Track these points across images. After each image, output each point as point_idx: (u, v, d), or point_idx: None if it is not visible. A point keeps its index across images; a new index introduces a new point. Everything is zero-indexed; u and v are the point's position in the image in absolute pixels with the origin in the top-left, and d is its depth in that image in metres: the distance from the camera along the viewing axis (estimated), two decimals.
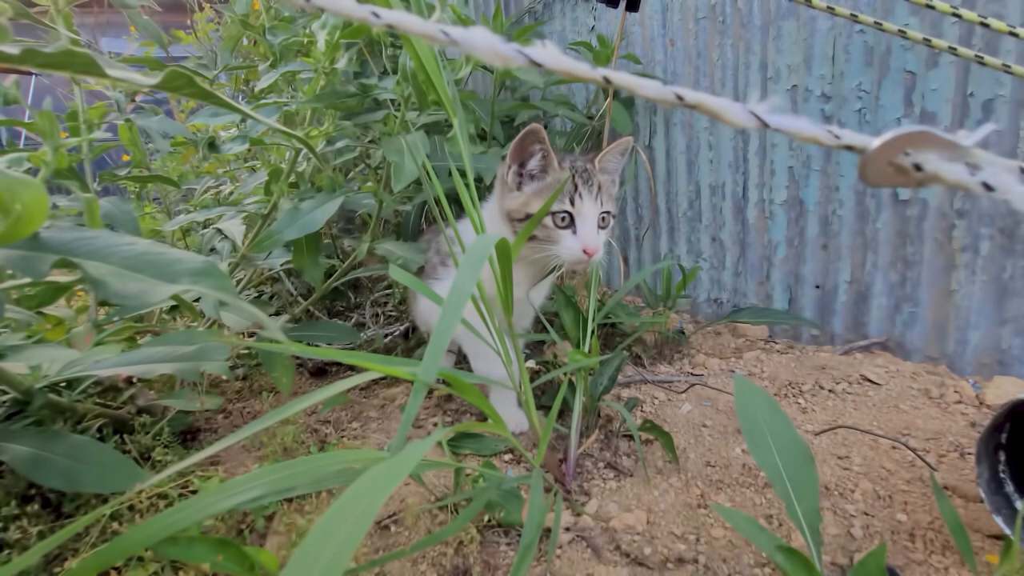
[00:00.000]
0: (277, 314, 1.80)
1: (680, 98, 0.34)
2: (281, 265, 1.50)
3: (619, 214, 2.10)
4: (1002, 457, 0.69)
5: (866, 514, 0.84)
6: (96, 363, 0.88)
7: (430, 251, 1.31)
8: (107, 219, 1.13)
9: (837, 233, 1.42)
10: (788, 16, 1.41)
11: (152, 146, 2.03)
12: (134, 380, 1.18)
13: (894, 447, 0.98)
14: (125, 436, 1.04)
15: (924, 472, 0.92)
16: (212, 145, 1.16)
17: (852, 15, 0.97)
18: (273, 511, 0.92)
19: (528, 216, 0.98)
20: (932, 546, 0.76)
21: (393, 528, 0.91)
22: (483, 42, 0.34)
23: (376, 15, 0.34)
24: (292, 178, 1.36)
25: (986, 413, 1.06)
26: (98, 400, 1.10)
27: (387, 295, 1.95)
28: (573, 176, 1.03)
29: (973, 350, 1.22)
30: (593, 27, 2.02)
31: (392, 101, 1.23)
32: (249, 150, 1.92)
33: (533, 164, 1.04)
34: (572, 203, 1.01)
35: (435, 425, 1.24)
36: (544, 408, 1.24)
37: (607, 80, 0.34)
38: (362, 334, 1.90)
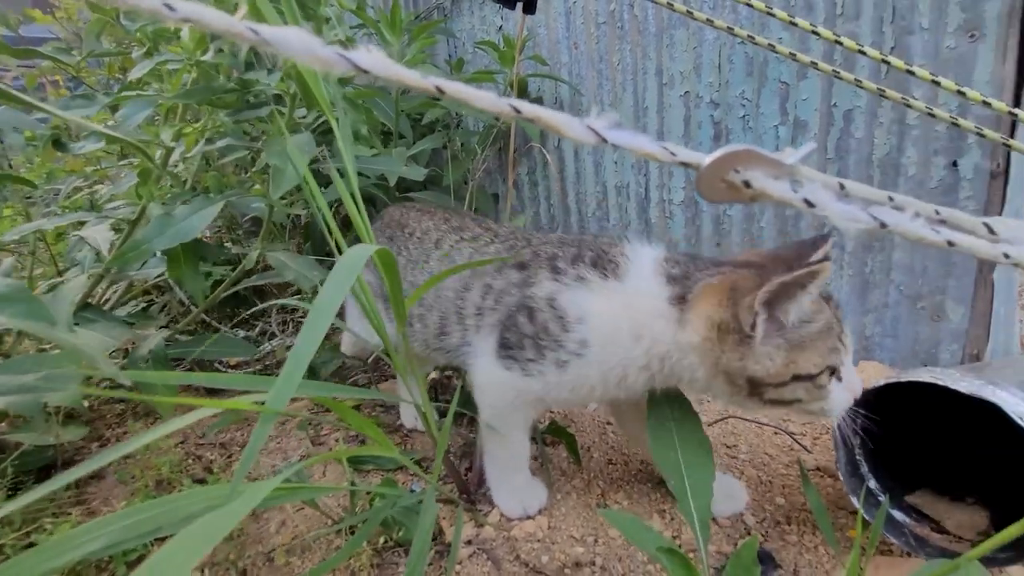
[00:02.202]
0: (168, 326, 1.64)
1: (517, 110, 0.32)
2: (160, 275, 1.37)
3: (534, 214, 2.12)
4: (857, 442, 0.76)
5: (754, 500, 0.89)
6: None
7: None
8: None
9: (728, 232, 1.51)
10: (679, 25, 1.48)
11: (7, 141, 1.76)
12: None
13: (776, 433, 1.06)
14: None
15: (802, 455, 1.00)
16: (58, 143, 1.02)
17: (728, 28, 1.02)
18: (141, 553, 0.82)
19: (795, 378, 0.69)
20: (804, 527, 0.81)
21: (284, 559, 0.85)
22: (299, 44, 0.30)
23: (170, 7, 0.29)
24: (169, 179, 1.24)
25: None
26: None
27: (298, 298, 1.84)
28: (835, 312, 0.74)
29: None
30: (501, 27, 2.01)
31: (280, 97, 1.15)
32: (121, 148, 1.72)
33: (794, 314, 0.68)
34: (844, 345, 0.73)
35: (336, 441, 1.18)
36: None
37: (439, 89, 0.32)
38: (267, 344, 1.78)
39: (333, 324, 0.57)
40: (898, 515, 0.72)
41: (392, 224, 1.12)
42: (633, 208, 1.75)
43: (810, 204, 0.34)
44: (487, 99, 0.32)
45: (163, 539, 0.85)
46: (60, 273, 1.49)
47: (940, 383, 0.64)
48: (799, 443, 1.02)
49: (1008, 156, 1.02)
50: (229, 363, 1.66)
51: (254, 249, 1.24)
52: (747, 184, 0.34)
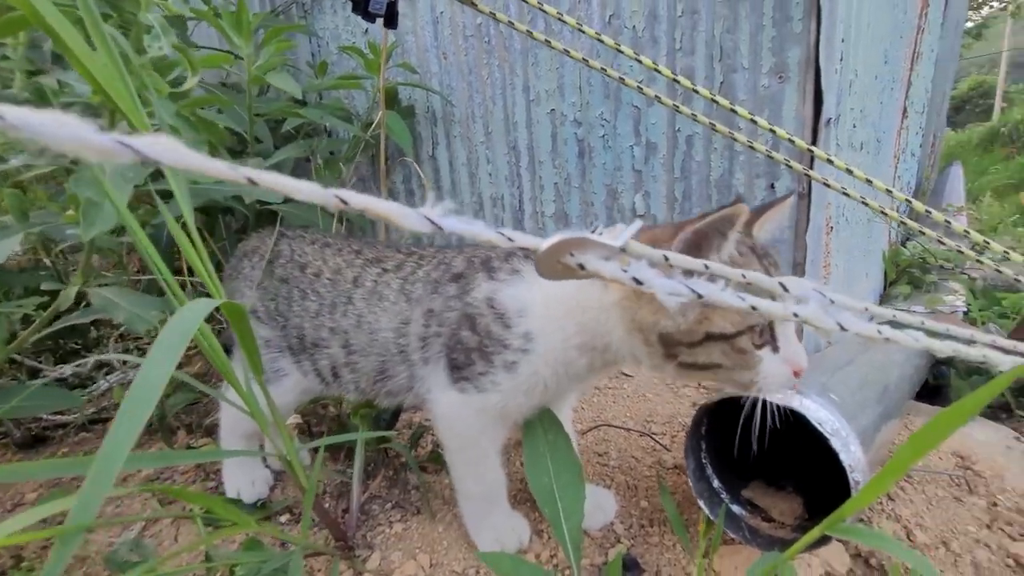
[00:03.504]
0: None
1: (345, 202, 0.30)
2: None
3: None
4: (703, 447, 0.85)
5: (622, 507, 0.96)
6: None
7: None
8: None
9: None
10: (543, 44, 1.53)
11: None
12: None
13: (641, 435, 1.15)
14: None
15: (663, 455, 1.09)
16: None
17: (584, 59, 1.08)
18: None
19: (709, 337, 0.65)
20: (664, 527, 0.90)
21: None
22: (64, 132, 0.25)
23: None
24: None
25: (703, 393, 1.31)
26: None
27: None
28: (765, 264, 0.70)
29: None
30: (367, 29, 1.92)
31: (94, 107, 0.98)
32: None
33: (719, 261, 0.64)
34: None
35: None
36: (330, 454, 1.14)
37: (251, 181, 0.28)
38: (103, 381, 1.54)
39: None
40: (736, 509, 0.83)
41: (281, 263, 0.98)
42: (509, 219, 1.79)
43: (638, 282, 0.37)
44: (310, 191, 0.29)
45: None
46: None
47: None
48: (659, 443, 1.11)
49: (810, 182, 1.20)
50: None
51: (72, 285, 1.05)
52: (581, 266, 0.35)
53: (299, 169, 1.91)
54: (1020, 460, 1.12)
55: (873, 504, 0.93)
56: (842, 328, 0.44)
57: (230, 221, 1.72)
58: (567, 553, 0.74)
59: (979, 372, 1.44)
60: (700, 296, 0.39)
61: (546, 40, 1.09)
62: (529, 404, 0.80)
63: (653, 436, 1.13)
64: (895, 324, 0.50)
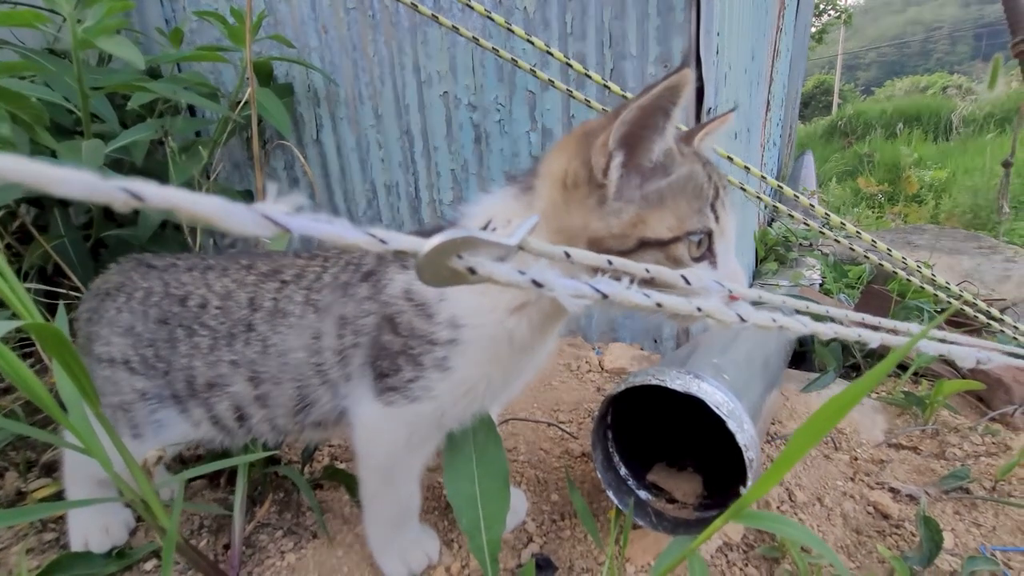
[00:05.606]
0: None
1: (139, 198, 0.22)
2: None
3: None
4: (610, 436, 0.86)
5: (533, 503, 0.94)
6: None
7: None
8: None
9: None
10: (431, 22, 1.44)
11: None
12: None
13: (549, 426, 1.14)
14: None
15: (571, 444, 1.09)
16: None
17: (474, 38, 1.02)
18: None
19: (643, 244, 0.57)
20: (575, 519, 0.89)
21: None
22: None
23: None
24: None
25: (606, 377, 1.34)
26: None
27: None
28: (708, 171, 0.61)
29: (596, 323, 1.53)
30: None
31: None
32: None
33: (658, 151, 0.57)
34: (716, 215, 0.59)
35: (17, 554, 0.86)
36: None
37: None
38: None
39: None
40: (643, 495, 0.84)
41: (155, 302, 0.80)
42: (405, 208, 1.69)
43: (539, 284, 0.32)
44: (81, 183, 0.21)
45: None
46: None
47: (662, 384, 0.75)
48: (567, 432, 1.11)
49: None
50: None
51: None
52: (472, 271, 0.30)
53: (157, 153, 1.65)
54: (871, 414, 1.27)
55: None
56: (742, 320, 0.43)
57: (70, 214, 1.45)
58: (483, 566, 0.70)
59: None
60: (605, 296, 0.35)
61: (433, 15, 1.01)
62: (469, 411, 0.71)
63: (560, 426, 1.13)
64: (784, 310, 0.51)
